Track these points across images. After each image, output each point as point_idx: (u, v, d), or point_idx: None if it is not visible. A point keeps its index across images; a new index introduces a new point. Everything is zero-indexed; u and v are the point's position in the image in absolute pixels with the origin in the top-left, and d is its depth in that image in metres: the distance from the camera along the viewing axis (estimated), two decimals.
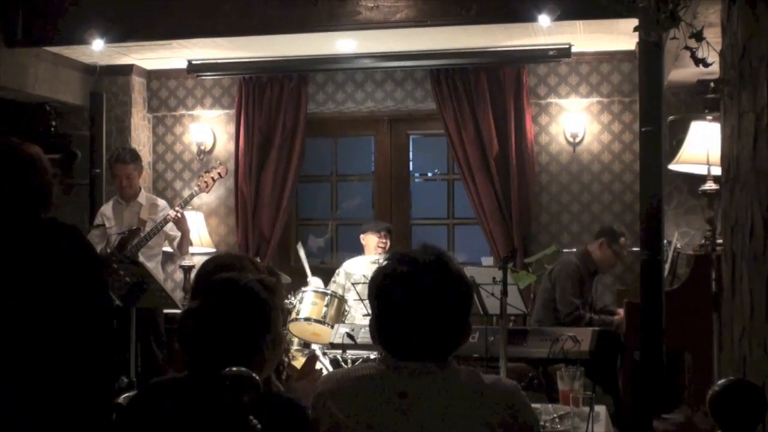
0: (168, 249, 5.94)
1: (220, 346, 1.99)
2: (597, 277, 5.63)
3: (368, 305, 5.38)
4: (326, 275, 5.96)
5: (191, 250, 6.13)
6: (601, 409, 3.30)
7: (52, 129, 6.38)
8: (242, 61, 6.36)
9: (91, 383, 2.53)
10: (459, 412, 1.89)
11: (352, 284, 5.49)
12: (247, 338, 2.02)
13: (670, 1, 2.58)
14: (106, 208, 5.66)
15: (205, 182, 5.72)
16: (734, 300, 2.90)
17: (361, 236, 5.94)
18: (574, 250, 5.76)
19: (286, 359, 5.04)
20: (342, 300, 5.40)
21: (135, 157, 5.71)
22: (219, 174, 5.78)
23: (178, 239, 5.62)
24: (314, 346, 5.32)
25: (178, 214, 5.41)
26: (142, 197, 5.69)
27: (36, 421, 2.44)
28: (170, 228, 5.52)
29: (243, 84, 6.51)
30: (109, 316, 2.61)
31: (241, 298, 2.04)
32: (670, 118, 5.43)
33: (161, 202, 5.77)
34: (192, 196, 5.65)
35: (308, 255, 7.28)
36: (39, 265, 2.50)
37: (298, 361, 5.18)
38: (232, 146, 6.61)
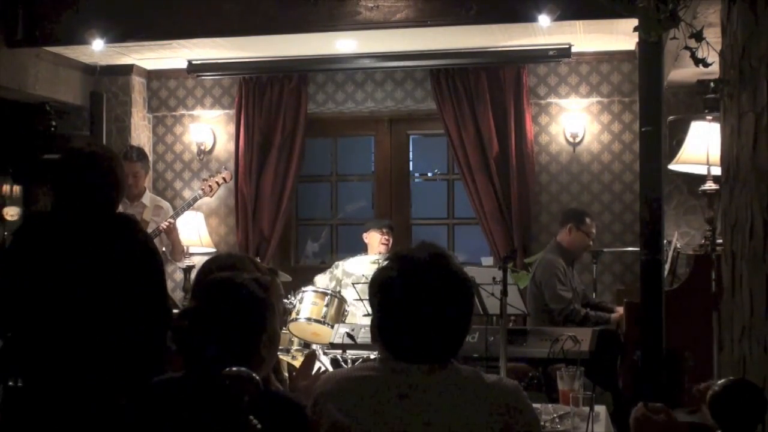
0: None
1: (216, 346, 1.99)
2: (576, 263, 5.63)
3: (368, 305, 5.36)
4: None
5: (192, 250, 6.14)
6: (601, 409, 3.30)
7: (52, 129, 6.38)
8: (242, 61, 6.35)
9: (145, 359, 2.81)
10: (459, 413, 1.89)
11: (353, 284, 5.50)
12: (243, 337, 2.02)
13: (670, 1, 2.58)
14: None
15: (209, 186, 5.75)
16: (734, 300, 2.90)
17: (364, 235, 5.98)
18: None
19: (286, 359, 5.05)
20: (342, 300, 5.40)
21: (142, 155, 5.73)
22: (223, 179, 5.82)
23: (170, 247, 5.66)
24: (314, 346, 5.32)
25: (169, 226, 5.45)
26: (147, 198, 5.70)
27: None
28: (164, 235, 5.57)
29: (243, 84, 6.51)
30: (165, 300, 2.96)
31: (236, 297, 2.04)
32: (670, 118, 5.43)
33: (165, 204, 5.78)
34: (195, 199, 5.69)
35: (306, 257, 7.31)
36: (112, 255, 2.83)
37: (299, 361, 5.18)
38: (232, 146, 6.61)
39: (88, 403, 2.74)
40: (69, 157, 3.00)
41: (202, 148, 6.70)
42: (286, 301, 5.03)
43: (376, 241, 5.87)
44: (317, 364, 3.75)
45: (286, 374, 4.32)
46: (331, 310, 5.28)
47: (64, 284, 2.80)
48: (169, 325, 2.69)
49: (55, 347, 2.78)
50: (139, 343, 2.79)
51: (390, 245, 5.85)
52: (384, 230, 5.88)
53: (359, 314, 5.42)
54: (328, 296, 5.33)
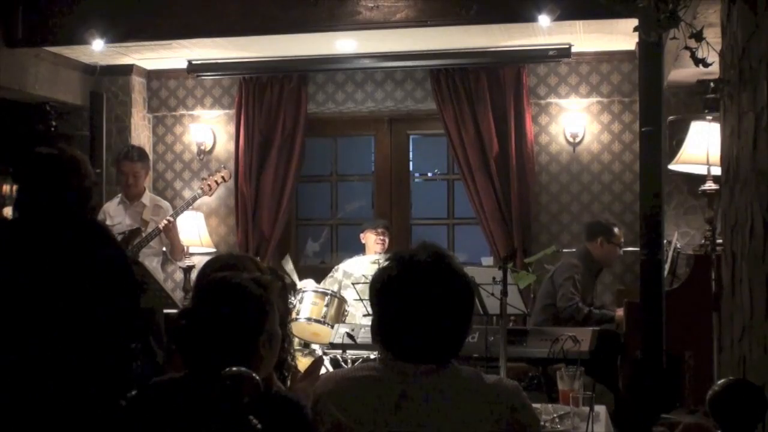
0: None
1: (215, 346, 1.99)
2: (601, 273, 5.66)
3: (368, 305, 5.37)
4: (326, 275, 5.96)
5: (192, 250, 6.15)
6: (601, 409, 3.30)
7: (52, 129, 6.38)
8: (242, 61, 6.35)
9: (114, 363, 2.74)
10: (460, 413, 1.89)
11: (352, 284, 5.50)
12: (242, 337, 2.02)
13: (670, 1, 2.58)
14: (110, 206, 5.69)
15: (209, 185, 5.76)
16: (734, 300, 2.90)
17: (361, 235, 6.03)
18: (574, 250, 5.76)
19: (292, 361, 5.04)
20: (342, 300, 5.41)
21: (143, 155, 5.74)
22: (223, 178, 5.83)
23: (169, 246, 5.67)
24: (315, 347, 5.33)
25: (168, 225, 5.44)
26: (146, 198, 5.71)
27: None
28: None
29: (243, 84, 6.51)
30: (134, 310, 2.84)
31: (235, 296, 2.04)
32: (670, 118, 5.43)
33: (165, 204, 5.79)
34: (195, 199, 5.70)
35: (306, 257, 7.30)
36: (75, 263, 2.71)
37: (299, 361, 5.19)
38: (232, 146, 6.61)
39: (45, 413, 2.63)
40: (26, 162, 2.86)
41: (202, 148, 6.70)
42: None
43: (371, 241, 5.94)
44: (323, 370, 3.77)
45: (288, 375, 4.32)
46: (331, 310, 5.29)
47: (23, 289, 2.69)
48: (141, 330, 2.64)
49: (19, 352, 2.68)
50: (106, 347, 2.70)
51: (386, 245, 5.90)
52: (379, 230, 5.93)
53: (359, 314, 5.43)
54: (328, 296, 5.34)
